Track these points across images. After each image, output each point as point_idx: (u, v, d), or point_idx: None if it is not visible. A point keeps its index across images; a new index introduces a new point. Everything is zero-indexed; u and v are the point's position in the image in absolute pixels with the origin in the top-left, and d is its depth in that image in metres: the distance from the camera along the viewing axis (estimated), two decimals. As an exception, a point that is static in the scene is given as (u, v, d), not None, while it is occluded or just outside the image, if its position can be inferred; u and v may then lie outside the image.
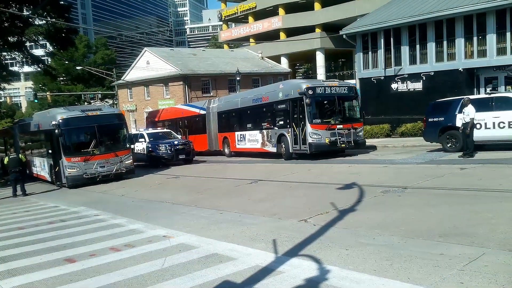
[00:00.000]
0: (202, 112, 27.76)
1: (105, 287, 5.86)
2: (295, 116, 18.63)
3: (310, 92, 17.80)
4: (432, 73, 24.06)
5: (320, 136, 17.76)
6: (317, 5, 45.02)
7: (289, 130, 19.06)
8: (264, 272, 5.82)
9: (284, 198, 11.07)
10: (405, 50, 25.23)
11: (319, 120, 18.01)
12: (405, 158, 16.07)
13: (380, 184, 11.24)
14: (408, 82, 25.13)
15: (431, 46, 24.12)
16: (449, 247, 6.00)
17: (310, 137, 17.77)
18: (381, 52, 26.05)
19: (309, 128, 17.79)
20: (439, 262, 5.46)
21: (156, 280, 5.89)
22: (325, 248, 6.58)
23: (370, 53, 27.03)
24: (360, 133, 18.91)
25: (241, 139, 23.43)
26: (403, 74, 25.17)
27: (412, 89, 24.96)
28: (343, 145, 18.04)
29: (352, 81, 30.22)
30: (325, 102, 18.63)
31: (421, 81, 24.59)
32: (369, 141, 22.75)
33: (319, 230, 7.56)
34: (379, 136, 23.87)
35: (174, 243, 7.73)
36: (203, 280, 5.71)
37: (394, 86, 25.62)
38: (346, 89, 18.88)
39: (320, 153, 18.27)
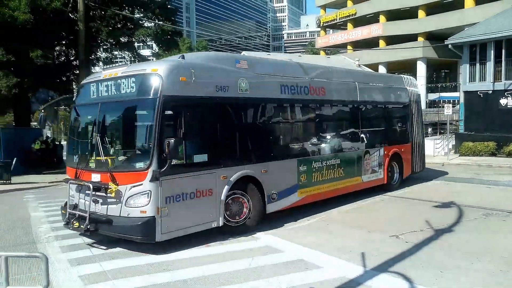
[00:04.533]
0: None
1: (199, 279, 6.13)
2: None
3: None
4: (549, 90, 21.87)
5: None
6: (421, 13, 43.10)
7: None
8: (351, 284, 5.70)
9: (376, 211, 10.72)
10: (518, 63, 23.21)
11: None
12: (512, 180, 14.78)
13: (481, 206, 10.45)
14: (519, 98, 23.08)
15: (550, 60, 21.93)
16: (562, 283, 5.42)
17: None
18: (490, 65, 24.17)
19: None
20: (548, 298, 4.95)
21: (243, 279, 6.03)
22: (417, 267, 6.27)
23: (477, 65, 25.19)
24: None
25: None
26: (515, 89, 23.15)
27: (524, 106, 22.87)
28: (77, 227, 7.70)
29: (455, 94, 28.45)
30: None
31: (535, 97, 22.46)
32: (471, 159, 21.33)
33: (411, 248, 7.22)
34: (483, 154, 22.12)
35: (260, 244, 7.83)
36: (289, 285, 5.74)
37: (503, 101, 23.63)
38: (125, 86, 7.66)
39: None
